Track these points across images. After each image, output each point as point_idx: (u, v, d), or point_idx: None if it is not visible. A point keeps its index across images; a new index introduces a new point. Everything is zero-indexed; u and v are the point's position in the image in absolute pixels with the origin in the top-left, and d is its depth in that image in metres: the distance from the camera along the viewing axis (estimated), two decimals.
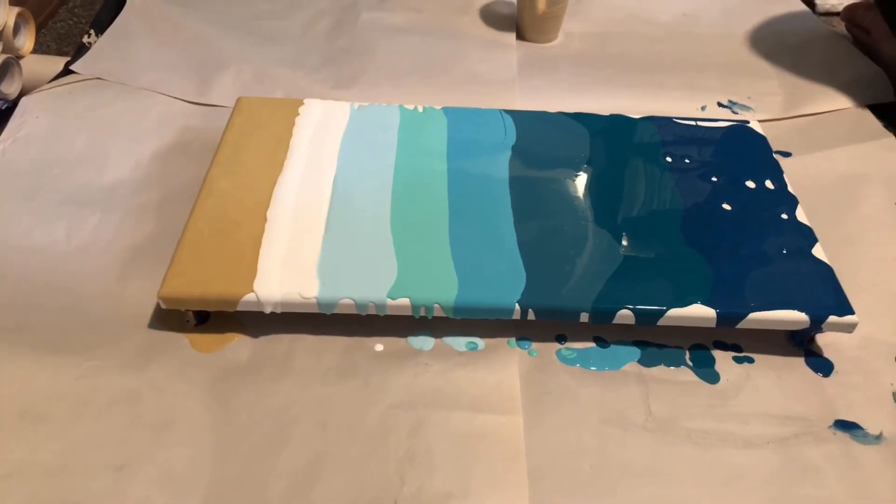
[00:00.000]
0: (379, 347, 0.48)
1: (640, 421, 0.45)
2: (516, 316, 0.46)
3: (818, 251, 0.50)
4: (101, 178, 0.59)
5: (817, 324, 0.46)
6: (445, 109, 0.61)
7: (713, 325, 0.47)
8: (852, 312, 0.46)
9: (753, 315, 0.46)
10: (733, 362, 0.48)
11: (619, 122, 0.61)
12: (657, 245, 0.50)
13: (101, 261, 0.52)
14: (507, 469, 0.42)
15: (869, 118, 0.69)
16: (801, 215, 0.53)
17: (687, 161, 0.57)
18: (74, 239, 0.54)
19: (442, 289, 0.46)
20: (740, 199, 0.54)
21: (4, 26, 0.64)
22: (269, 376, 0.46)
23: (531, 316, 0.46)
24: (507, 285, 0.47)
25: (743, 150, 0.59)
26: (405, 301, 0.46)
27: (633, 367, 0.48)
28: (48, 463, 0.41)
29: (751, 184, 0.56)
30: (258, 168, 0.54)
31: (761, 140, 0.60)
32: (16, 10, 0.66)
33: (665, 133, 0.60)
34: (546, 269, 0.48)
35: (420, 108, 0.61)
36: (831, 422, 0.45)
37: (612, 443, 0.43)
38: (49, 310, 0.49)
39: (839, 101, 0.71)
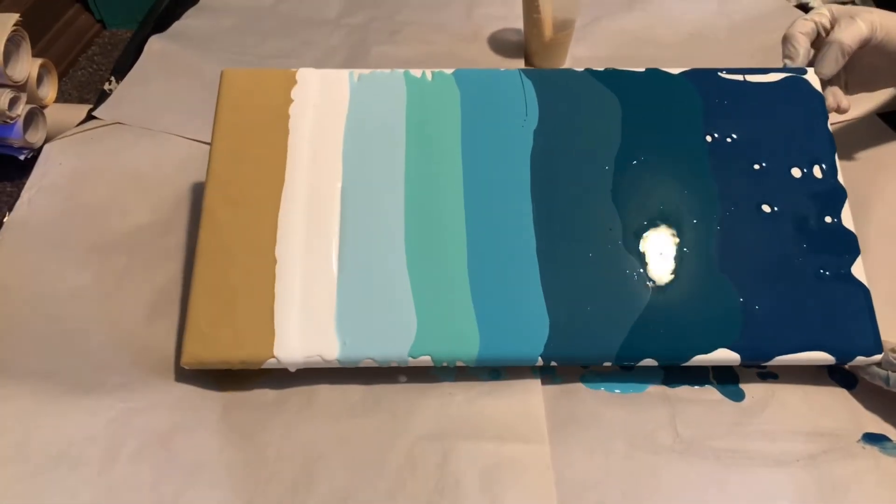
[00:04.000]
0: (402, 378, 0.48)
1: (669, 443, 0.45)
2: (539, 364, 0.46)
3: (858, 268, 0.48)
4: (124, 222, 0.60)
5: (843, 363, 0.46)
6: (457, 74, 0.54)
7: (737, 364, 0.46)
8: (880, 351, 0.45)
9: (778, 358, 0.45)
10: (758, 378, 0.48)
11: (655, 80, 0.54)
12: (688, 272, 0.47)
13: (128, 304, 0.53)
14: (537, 499, 0.42)
15: (879, 126, 0.69)
16: (846, 216, 0.49)
17: (729, 140, 0.52)
18: (101, 283, 0.55)
19: (463, 344, 0.45)
20: (783, 196, 0.50)
21: (28, 78, 0.66)
22: (295, 411, 0.46)
23: (554, 364, 0.46)
24: (529, 336, 0.46)
25: (794, 117, 0.53)
26: (426, 358, 0.45)
27: (657, 387, 0.48)
28: None
29: (797, 172, 0.51)
30: (257, 187, 0.50)
31: (816, 100, 0.53)
32: (38, 61, 0.68)
33: (708, 99, 0.53)
34: (570, 313, 0.46)
35: (428, 75, 0.54)
36: (859, 435, 0.45)
37: (642, 467, 0.43)
38: (80, 353, 0.50)
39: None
